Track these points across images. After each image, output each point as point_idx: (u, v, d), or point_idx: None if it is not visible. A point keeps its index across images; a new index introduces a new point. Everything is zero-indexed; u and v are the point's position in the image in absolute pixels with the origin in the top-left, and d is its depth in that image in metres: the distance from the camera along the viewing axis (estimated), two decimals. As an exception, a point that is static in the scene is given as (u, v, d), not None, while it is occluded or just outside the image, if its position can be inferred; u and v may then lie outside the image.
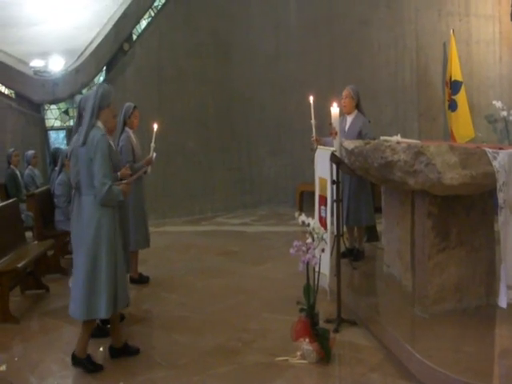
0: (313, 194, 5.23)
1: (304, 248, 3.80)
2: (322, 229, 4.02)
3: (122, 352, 4.12)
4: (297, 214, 3.98)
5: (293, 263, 4.05)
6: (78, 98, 5.80)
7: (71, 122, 9.33)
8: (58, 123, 9.77)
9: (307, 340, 3.92)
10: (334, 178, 4.50)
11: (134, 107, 5.77)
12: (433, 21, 9.92)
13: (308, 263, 3.83)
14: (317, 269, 3.95)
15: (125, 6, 9.45)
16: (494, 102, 9.20)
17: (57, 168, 7.08)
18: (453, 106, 9.62)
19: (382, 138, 5.02)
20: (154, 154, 5.39)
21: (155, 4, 9.75)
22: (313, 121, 5.39)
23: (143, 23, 9.73)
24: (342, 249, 5.44)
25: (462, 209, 4.28)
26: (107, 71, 9.56)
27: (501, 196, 3.82)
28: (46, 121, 9.65)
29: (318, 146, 5.13)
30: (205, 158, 9.90)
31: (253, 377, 3.80)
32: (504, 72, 10.03)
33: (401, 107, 9.96)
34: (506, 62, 10.03)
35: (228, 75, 9.97)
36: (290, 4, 10.05)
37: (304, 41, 9.94)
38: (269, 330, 4.56)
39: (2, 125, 9.03)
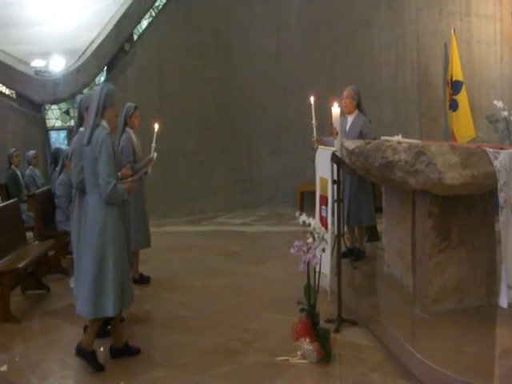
0: (313, 193, 5.23)
1: (305, 248, 3.80)
2: (323, 229, 4.02)
3: (123, 352, 4.12)
4: (297, 213, 3.98)
5: (293, 263, 4.05)
6: (78, 98, 5.79)
7: (72, 122, 9.34)
8: (58, 123, 9.78)
9: (308, 340, 3.92)
10: (335, 177, 4.50)
11: (135, 107, 5.77)
12: (434, 21, 9.91)
13: (309, 263, 3.83)
14: (317, 269, 3.95)
15: (126, 6, 9.45)
16: (495, 102, 9.20)
17: (57, 168, 7.08)
18: (454, 106, 9.61)
19: (382, 138, 5.02)
20: (155, 154, 5.38)
21: (156, 4, 9.75)
22: (313, 121, 5.40)
23: (144, 23, 9.74)
24: (343, 249, 5.44)
25: (462, 209, 4.28)
26: (108, 71, 9.57)
27: (502, 196, 3.82)
28: (47, 121, 9.67)
29: (319, 146, 5.14)
30: (205, 158, 9.90)
31: (253, 377, 3.80)
32: (505, 72, 10.02)
33: (402, 107, 9.96)
34: (507, 62, 10.02)
35: (229, 75, 9.98)
36: (291, 4, 10.06)
37: (305, 41, 9.95)
38: (269, 329, 4.56)
39: (2, 125, 9.04)
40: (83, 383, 3.92)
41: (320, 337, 3.91)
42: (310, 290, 3.97)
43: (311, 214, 4.40)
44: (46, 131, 9.58)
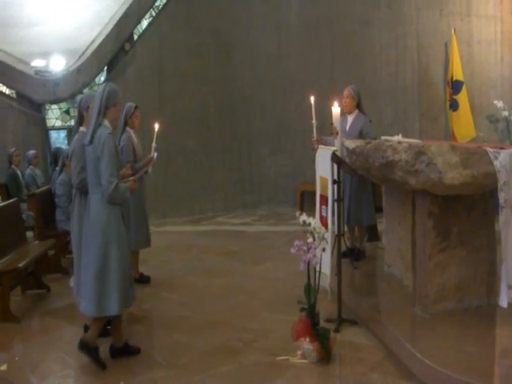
0: (313, 193, 5.23)
1: (305, 247, 3.80)
2: (323, 228, 4.02)
3: (123, 352, 4.12)
4: (298, 213, 3.98)
5: (293, 263, 4.05)
6: (78, 97, 5.79)
7: (72, 122, 9.34)
8: (58, 123, 9.78)
9: (308, 339, 3.92)
10: (335, 177, 4.49)
11: (135, 107, 5.78)
12: (434, 20, 9.90)
13: (309, 263, 3.83)
14: (317, 268, 3.95)
15: (126, 6, 9.45)
16: (495, 102, 9.20)
17: (58, 168, 7.08)
18: (454, 106, 9.60)
19: (383, 137, 5.02)
20: (155, 154, 5.39)
21: (156, 4, 9.75)
22: (314, 121, 5.40)
23: (144, 23, 9.74)
24: (343, 248, 5.43)
25: (462, 208, 4.28)
26: (108, 71, 9.57)
27: (502, 196, 3.82)
28: (47, 120, 9.67)
29: (319, 146, 5.14)
30: (205, 157, 9.90)
31: (253, 376, 3.80)
32: (505, 72, 10.01)
33: (402, 107, 9.95)
34: (507, 62, 10.01)
35: (229, 75, 9.98)
36: (291, 4, 10.05)
37: (305, 41, 9.94)
38: (269, 329, 4.56)
39: (3, 125, 9.04)
40: (83, 383, 3.93)
41: (320, 336, 3.91)
42: (310, 290, 3.97)
43: (311, 213, 4.40)
44: (46, 131, 9.58)
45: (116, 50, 9.37)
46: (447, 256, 4.25)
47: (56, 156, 7.44)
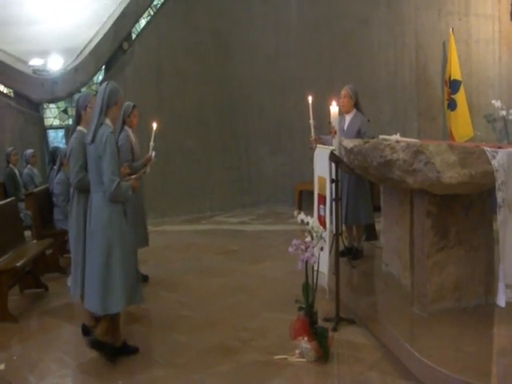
0: (312, 193, 5.23)
1: (303, 246, 3.80)
2: (321, 227, 4.02)
3: (121, 351, 4.11)
4: (296, 212, 3.98)
5: (291, 262, 4.06)
6: (76, 96, 5.79)
7: (70, 121, 9.33)
8: (56, 122, 9.77)
9: (306, 338, 3.92)
10: (333, 176, 4.50)
11: (134, 106, 5.77)
12: (432, 20, 9.92)
13: (307, 262, 3.83)
14: (315, 267, 3.95)
15: (124, 5, 9.43)
16: (493, 102, 9.23)
17: (55, 167, 7.07)
18: (452, 106, 9.63)
19: (381, 136, 5.02)
20: (153, 153, 5.38)
21: (154, 3, 9.73)
22: (311, 121, 5.39)
23: (142, 22, 9.72)
24: (341, 247, 5.44)
25: (460, 208, 4.28)
26: (106, 70, 9.55)
27: (500, 195, 3.83)
28: (45, 120, 9.65)
29: (318, 145, 5.14)
30: (204, 157, 9.89)
31: (252, 375, 3.81)
32: (503, 72, 10.04)
33: (400, 106, 9.96)
34: (505, 61, 10.03)
35: (228, 74, 9.96)
36: (291, 4, 10.04)
37: (304, 40, 9.93)
38: (268, 328, 4.56)
39: (0, 124, 9.02)
40: (81, 382, 3.92)
41: (318, 335, 3.92)
42: (308, 289, 3.97)
43: (309, 213, 4.38)
44: (44, 130, 9.56)
45: (114, 49, 9.35)
46: (445, 255, 4.25)
47: (54, 155, 7.42)
